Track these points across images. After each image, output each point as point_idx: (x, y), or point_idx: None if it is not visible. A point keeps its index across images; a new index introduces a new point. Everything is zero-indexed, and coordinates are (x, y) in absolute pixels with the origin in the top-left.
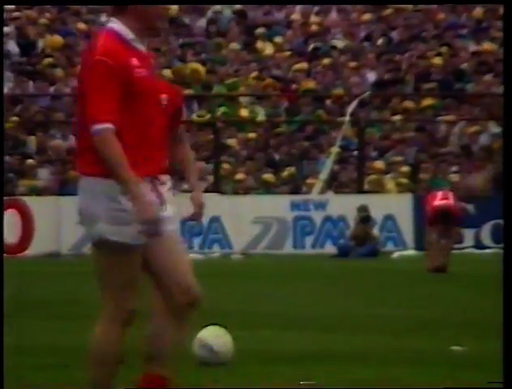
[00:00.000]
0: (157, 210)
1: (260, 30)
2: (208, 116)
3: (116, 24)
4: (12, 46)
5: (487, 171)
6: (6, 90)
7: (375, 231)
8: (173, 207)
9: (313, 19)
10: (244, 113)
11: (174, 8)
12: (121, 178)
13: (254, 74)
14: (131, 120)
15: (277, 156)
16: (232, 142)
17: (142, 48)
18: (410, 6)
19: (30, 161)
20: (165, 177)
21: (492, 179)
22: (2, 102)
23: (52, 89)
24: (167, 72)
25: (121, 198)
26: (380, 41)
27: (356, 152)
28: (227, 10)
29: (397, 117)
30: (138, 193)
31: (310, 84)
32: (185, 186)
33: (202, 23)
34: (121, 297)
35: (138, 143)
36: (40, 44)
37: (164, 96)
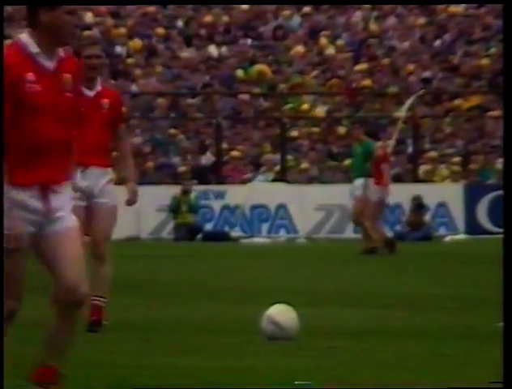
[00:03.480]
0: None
1: (323, 33)
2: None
3: (24, 36)
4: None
5: None
6: None
7: (428, 217)
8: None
9: (373, 22)
10: (307, 109)
11: (244, 11)
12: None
13: (317, 73)
14: (21, 132)
15: (338, 148)
16: (296, 135)
17: (46, 62)
18: (461, 11)
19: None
20: (61, 187)
21: None
22: (2, 102)
23: (132, 87)
24: (239, 72)
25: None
26: (433, 43)
27: (410, 145)
28: (295, 15)
29: (448, 113)
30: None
31: (369, 83)
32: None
33: (270, 27)
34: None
35: (27, 153)
36: (122, 47)
37: (105, 101)
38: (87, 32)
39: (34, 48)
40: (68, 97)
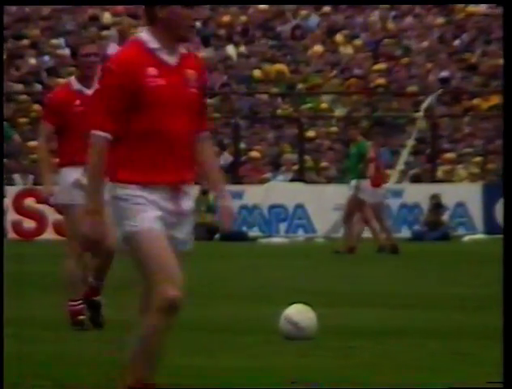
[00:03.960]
0: (102, 231)
1: (341, 32)
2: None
3: (144, 34)
4: (114, 49)
5: None
6: None
7: (446, 217)
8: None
9: (391, 22)
10: (325, 108)
11: (262, 11)
12: (88, 187)
13: (335, 73)
14: (145, 128)
15: None
16: (314, 135)
17: (168, 57)
18: (479, 10)
19: None
20: (188, 188)
21: None
22: (2, 101)
23: None
24: (257, 72)
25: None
26: (452, 42)
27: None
28: (313, 15)
29: (467, 113)
30: (91, 209)
31: (387, 82)
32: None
33: (288, 27)
34: (162, 281)
35: (154, 151)
36: None
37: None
38: (104, 32)
39: (154, 44)
40: (192, 92)
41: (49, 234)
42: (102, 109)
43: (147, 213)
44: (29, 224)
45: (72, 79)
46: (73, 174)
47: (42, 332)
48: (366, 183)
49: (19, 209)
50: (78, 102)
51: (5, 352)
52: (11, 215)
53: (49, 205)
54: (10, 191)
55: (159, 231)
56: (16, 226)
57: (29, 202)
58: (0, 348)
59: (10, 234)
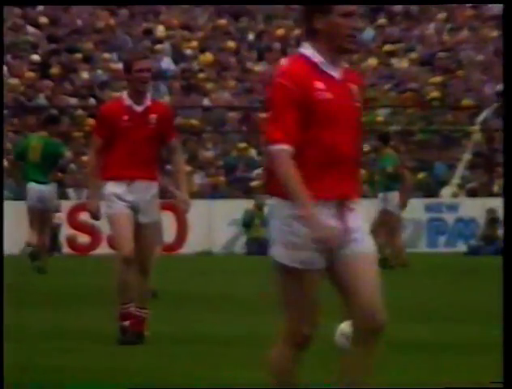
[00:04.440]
0: (333, 231)
1: (397, 45)
2: None
3: (306, 49)
4: (168, 62)
5: None
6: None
7: (503, 231)
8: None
9: (446, 35)
10: (381, 122)
11: None
12: (293, 199)
13: (390, 86)
14: (313, 142)
15: (410, 162)
16: (368, 149)
17: (333, 71)
18: None
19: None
20: (354, 203)
21: None
22: (2, 104)
23: (204, 101)
24: None
25: (294, 221)
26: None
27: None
28: (368, 28)
29: None
30: (309, 213)
31: (443, 96)
32: None
33: None
34: (295, 319)
35: (320, 165)
36: (194, 60)
37: (153, 116)
38: (157, 46)
39: (318, 58)
40: (357, 107)
41: (104, 249)
42: (279, 124)
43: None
44: (83, 238)
45: (124, 94)
46: (116, 188)
47: (95, 346)
48: (394, 195)
49: (74, 224)
50: (126, 117)
51: (57, 365)
52: (66, 230)
53: (95, 219)
54: (65, 206)
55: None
56: (71, 241)
57: (83, 216)
58: (0, 348)
59: (65, 249)
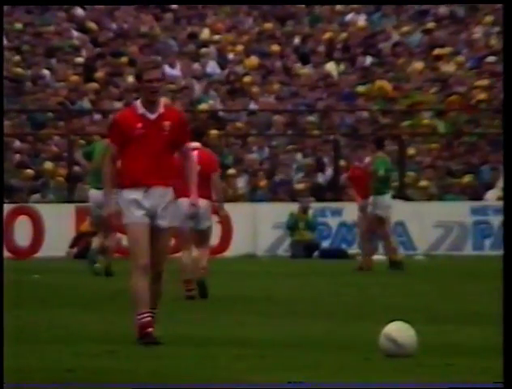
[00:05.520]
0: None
1: (443, 49)
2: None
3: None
4: (213, 66)
5: None
6: (206, 107)
7: None
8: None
9: (494, 38)
10: (426, 125)
11: (362, 28)
12: None
13: (436, 90)
14: None
15: (457, 165)
16: (414, 152)
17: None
18: None
19: (230, 171)
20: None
21: None
22: (2, 101)
23: (249, 105)
24: (359, 89)
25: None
26: None
27: None
28: (415, 32)
29: None
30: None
31: (489, 99)
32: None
33: (389, 43)
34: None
35: None
36: (239, 64)
37: (166, 123)
38: (203, 50)
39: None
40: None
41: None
42: None
43: None
44: None
45: (138, 102)
46: (132, 195)
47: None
48: (384, 198)
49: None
50: (140, 125)
51: (101, 368)
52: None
53: (112, 225)
54: None
55: None
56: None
57: None
58: (0, 348)
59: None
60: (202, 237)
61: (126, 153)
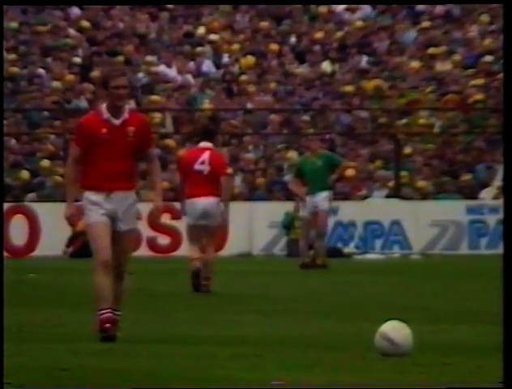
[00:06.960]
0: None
1: (439, 48)
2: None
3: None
4: (209, 65)
5: None
6: (208, 106)
7: None
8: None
9: (489, 37)
10: (422, 124)
11: (359, 28)
12: None
13: (432, 89)
14: None
15: (453, 164)
16: (410, 151)
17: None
18: None
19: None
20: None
21: None
22: (2, 101)
23: (245, 104)
24: (353, 88)
25: None
26: None
27: None
28: (411, 30)
29: None
30: None
31: (485, 98)
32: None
33: (385, 42)
34: None
35: None
36: (235, 63)
37: (130, 129)
38: (198, 49)
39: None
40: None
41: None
42: None
43: None
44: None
45: (103, 107)
46: (94, 197)
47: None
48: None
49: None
50: (105, 131)
51: (98, 367)
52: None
53: (70, 224)
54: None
55: None
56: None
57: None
58: (0, 348)
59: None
60: (209, 233)
61: (90, 157)
